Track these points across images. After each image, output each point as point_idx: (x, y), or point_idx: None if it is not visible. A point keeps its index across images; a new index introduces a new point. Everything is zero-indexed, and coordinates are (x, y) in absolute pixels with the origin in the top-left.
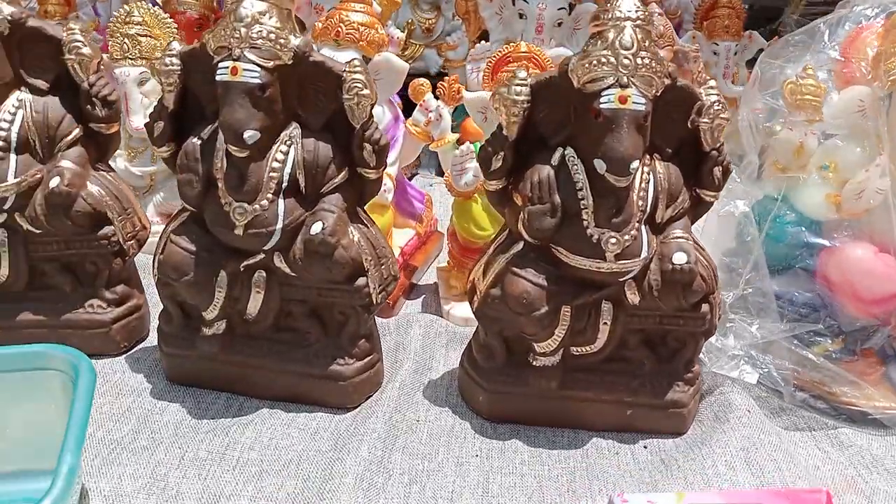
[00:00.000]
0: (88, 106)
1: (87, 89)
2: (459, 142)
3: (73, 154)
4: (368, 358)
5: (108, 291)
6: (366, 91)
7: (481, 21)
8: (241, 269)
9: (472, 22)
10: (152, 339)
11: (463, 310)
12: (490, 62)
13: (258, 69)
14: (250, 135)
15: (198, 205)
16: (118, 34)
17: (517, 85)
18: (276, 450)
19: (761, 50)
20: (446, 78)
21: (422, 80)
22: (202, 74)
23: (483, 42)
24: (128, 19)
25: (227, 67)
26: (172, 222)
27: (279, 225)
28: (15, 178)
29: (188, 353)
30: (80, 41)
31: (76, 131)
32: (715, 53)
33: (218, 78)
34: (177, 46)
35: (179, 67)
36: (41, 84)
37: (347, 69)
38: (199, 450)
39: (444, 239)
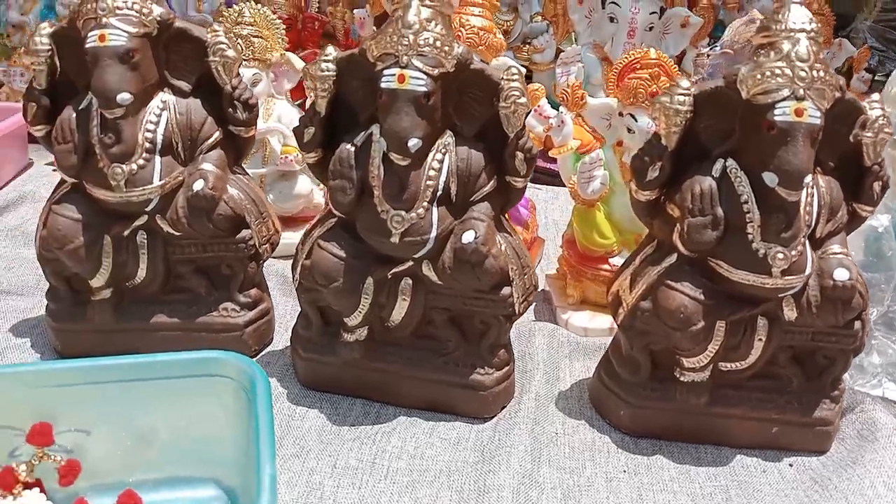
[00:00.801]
0: (230, 109)
1: (230, 92)
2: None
3: (213, 157)
4: (506, 368)
5: (242, 295)
6: (523, 99)
7: (569, 24)
8: (389, 277)
9: (559, 25)
10: (276, 342)
11: (582, 319)
12: (616, 67)
13: (425, 77)
14: (414, 143)
15: (349, 211)
16: (230, 34)
17: (680, 94)
18: (423, 459)
19: (851, 57)
20: (569, 85)
21: (537, 84)
22: (359, 80)
23: (574, 45)
24: (239, 19)
25: (394, 75)
26: (317, 228)
27: (433, 233)
28: (160, 180)
29: (327, 358)
30: (224, 44)
31: (217, 134)
32: None
33: (384, 85)
34: (333, 51)
35: (335, 73)
36: (184, 86)
37: (505, 77)
38: (350, 458)
39: (544, 245)
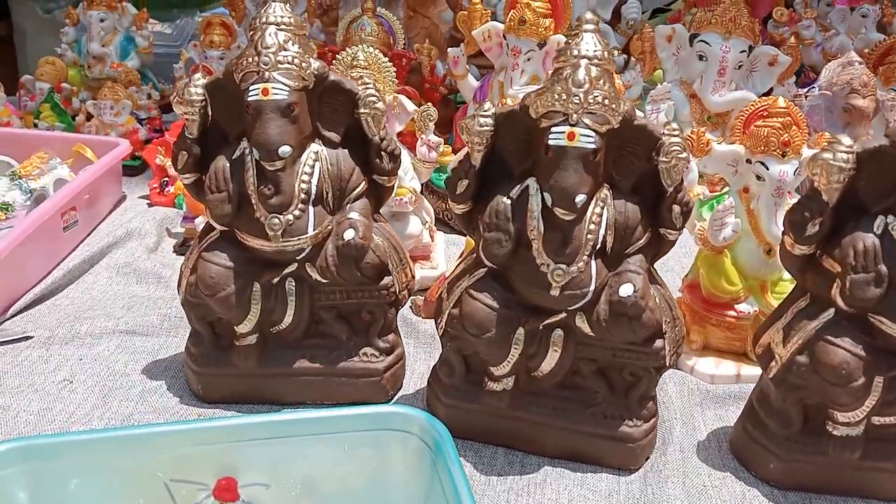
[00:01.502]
0: (377, 159)
1: (378, 143)
2: None
3: (359, 206)
4: (653, 419)
5: (381, 340)
6: (683, 154)
7: (656, 61)
8: (541, 328)
9: (647, 62)
10: (407, 387)
11: (708, 366)
12: (742, 114)
13: (594, 135)
14: (581, 198)
15: (503, 263)
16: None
17: (843, 152)
18: None
19: None
20: (693, 130)
21: None
22: (519, 135)
23: (664, 83)
24: (353, 63)
25: (563, 132)
26: (465, 278)
27: (593, 286)
28: (313, 230)
29: (470, 405)
30: (375, 96)
31: (363, 184)
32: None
33: (552, 142)
34: (491, 107)
35: (493, 128)
36: (335, 137)
37: (666, 132)
38: None
39: None
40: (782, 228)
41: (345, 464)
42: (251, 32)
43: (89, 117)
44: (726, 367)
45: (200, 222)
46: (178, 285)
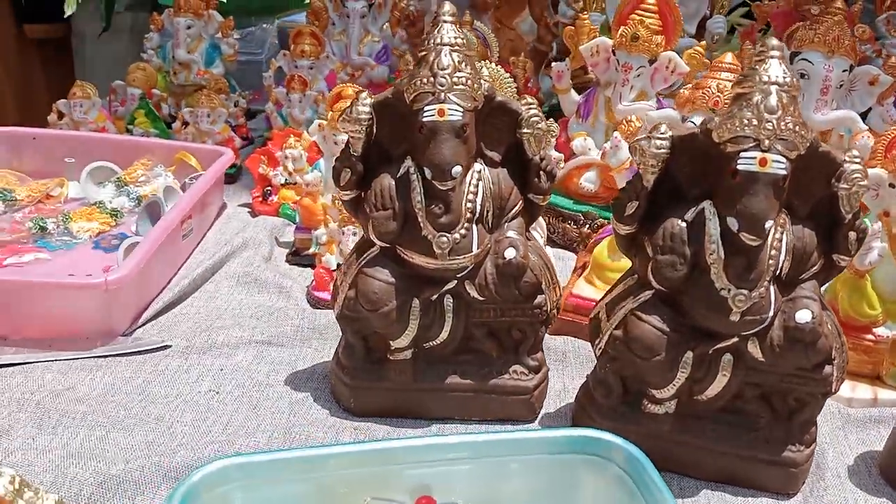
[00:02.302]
0: (536, 178)
1: (538, 162)
2: None
3: (516, 224)
4: (813, 444)
5: (531, 358)
6: (864, 182)
7: None
8: (710, 352)
9: None
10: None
11: (845, 389)
12: (883, 139)
13: (785, 161)
14: (769, 224)
15: (676, 286)
16: None
17: (658, 139)
18: None
19: None
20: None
21: None
22: (692, 158)
23: None
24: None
25: (755, 158)
26: (629, 299)
27: (771, 311)
28: (477, 248)
29: (628, 427)
30: (539, 117)
31: (520, 203)
32: None
33: (742, 167)
34: (667, 130)
35: (669, 151)
36: (496, 156)
37: (847, 159)
38: None
39: None
40: None
41: (536, 486)
42: (422, 52)
43: (185, 124)
44: (863, 391)
45: (321, 234)
46: (333, 299)
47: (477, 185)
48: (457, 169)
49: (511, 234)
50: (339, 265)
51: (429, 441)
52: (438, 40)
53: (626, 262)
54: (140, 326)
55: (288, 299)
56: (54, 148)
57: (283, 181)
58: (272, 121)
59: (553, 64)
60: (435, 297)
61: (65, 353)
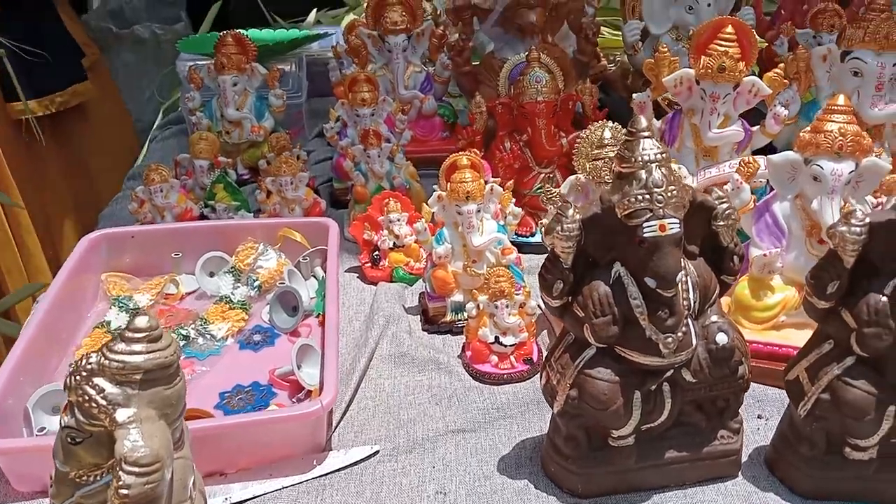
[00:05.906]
0: (730, 263)
1: (732, 248)
2: None
3: (717, 308)
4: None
5: (733, 421)
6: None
7: (811, 79)
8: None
9: (802, 81)
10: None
11: None
12: None
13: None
14: (680, 276)
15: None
16: (600, 158)
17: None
18: None
19: None
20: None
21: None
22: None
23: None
24: (601, 142)
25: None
26: (833, 365)
27: (694, 342)
28: (696, 340)
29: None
30: (733, 209)
31: (719, 288)
32: None
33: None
34: (864, 216)
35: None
36: (695, 249)
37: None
38: None
39: None
40: None
41: None
42: (629, 169)
43: (268, 193)
44: None
45: (471, 308)
46: (550, 397)
47: (687, 282)
48: (679, 277)
49: (715, 318)
50: (546, 360)
51: None
52: (646, 158)
53: (771, 301)
54: (333, 431)
55: (450, 376)
56: (154, 243)
57: (390, 245)
58: (353, 178)
59: (634, 96)
60: (654, 386)
61: (290, 478)
